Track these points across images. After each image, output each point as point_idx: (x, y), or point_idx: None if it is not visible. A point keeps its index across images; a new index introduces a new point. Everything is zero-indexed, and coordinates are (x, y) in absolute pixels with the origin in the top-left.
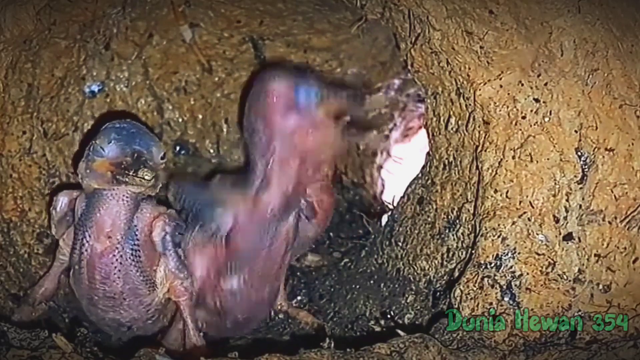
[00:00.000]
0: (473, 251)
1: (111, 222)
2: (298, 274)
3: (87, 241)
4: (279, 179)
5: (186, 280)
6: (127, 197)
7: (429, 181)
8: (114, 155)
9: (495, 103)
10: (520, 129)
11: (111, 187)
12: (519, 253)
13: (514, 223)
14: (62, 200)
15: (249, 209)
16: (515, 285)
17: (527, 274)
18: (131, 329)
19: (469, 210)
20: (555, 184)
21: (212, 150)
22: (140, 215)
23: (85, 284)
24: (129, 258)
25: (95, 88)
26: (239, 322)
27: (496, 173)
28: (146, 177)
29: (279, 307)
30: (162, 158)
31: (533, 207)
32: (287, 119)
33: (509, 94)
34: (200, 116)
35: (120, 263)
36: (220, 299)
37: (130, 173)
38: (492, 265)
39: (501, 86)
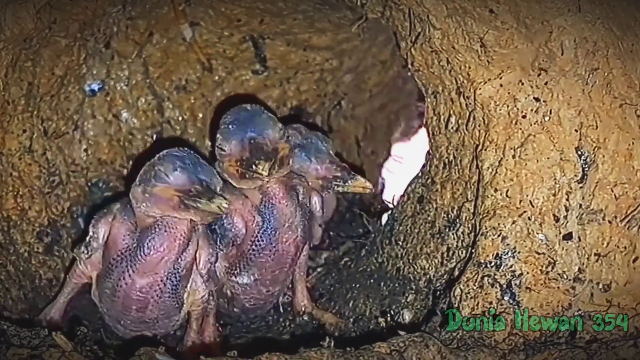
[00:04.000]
0: (473, 250)
1: (160, 260)
2: None
3: (129, 274)
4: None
5: (207, 294)
6: (184, 230)
7: (429, 180)
8: (181, 183)
9: (495, 102)
10: (521, 128)
11: (174, 215)
12: (519, 252)
13: (514, 222)
14: (103, 230)
15: (250, 217)
16: (515, 284)
17: (527, 273)
18: (155, 337)
19: (469, 210)
20: (555, 183)
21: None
22: (188, 250)
23: (118, 309)
24: (169, 290)
25: (95, 87)
26: (247, 308)
27: (496, 172)
28: (223, 205)
29: (303, 309)
30: (221, 189)
31: (533, 206)
32: None
33: (509, 93)
34: (201, 115)
35: (159, 296)
36: (233, 290)
37: (203, 200)
38: (492, 264)
39: (501, 85)
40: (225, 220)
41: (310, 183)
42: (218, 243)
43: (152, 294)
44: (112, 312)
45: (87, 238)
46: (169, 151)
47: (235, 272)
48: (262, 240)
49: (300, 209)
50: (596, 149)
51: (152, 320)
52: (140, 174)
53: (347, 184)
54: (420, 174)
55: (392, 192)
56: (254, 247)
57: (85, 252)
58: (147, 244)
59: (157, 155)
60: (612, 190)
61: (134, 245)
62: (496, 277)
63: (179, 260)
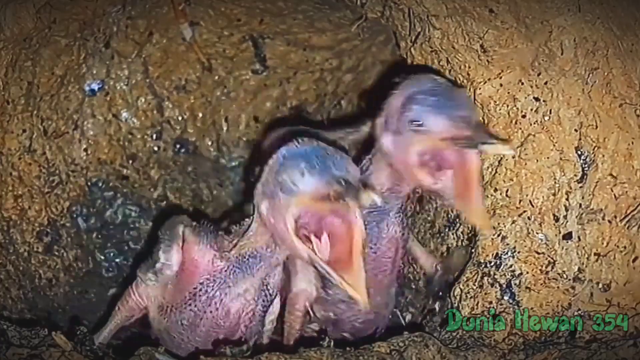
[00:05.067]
0: (473, 250)
1: (259, 286)
2: None
3: (220, 299)
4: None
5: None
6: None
7: None
8: (315, 188)
9: (495, 102)
10: (520, 128)
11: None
12: (518, 252)
13: (513, 222)
14: (176, 257)
15: None
16: (515, 284)
17: (527, 272)
18: None
19: None
20: (555, 182)
21: (212, 149)
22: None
23: (199, 340)
24: (260, 311)
25: (95, 86)
26: (357, 329)
27: (496, 172)
28: (372, 196)
29: (435, 267)
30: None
31: (533, 206)
32: None
33: (509, 92)
34: (200, 115)
35: (250, 320)
36: (335, 309)
37: (347, 200)
38: (492, 264)
39: (501, 85)
40: None
41: None
42: None
43: (244, 318)
44: (189, 344)
45: (157, 264)
46: (287, 149)
47: (329, 284)
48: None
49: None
50: (596, 148)
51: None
52: (262, 184)
53: None
54: None
55: None
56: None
57: (154, 279)
58: (245, 268)
59: (275, 157)
60: (612, 190)
61: (227, 269)
62: (496, 276)
63: (269, 277)
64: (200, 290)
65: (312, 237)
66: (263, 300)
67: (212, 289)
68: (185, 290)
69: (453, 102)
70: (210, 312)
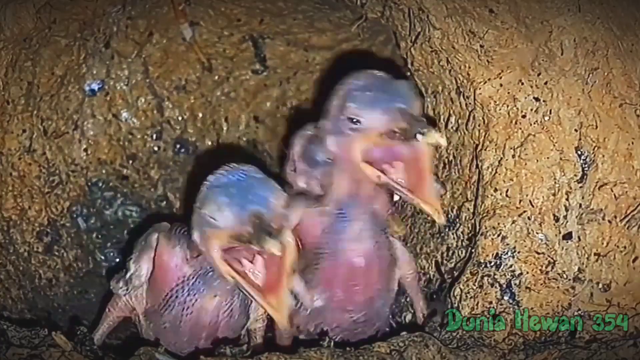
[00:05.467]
0: (473, 250)
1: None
2: None
3: (196, 300)
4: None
5: None
6: None
7: None
8: (231, 226)
9: (495, 102)
10: (520, 128)
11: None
12: (518, 252)
13: (513, 222)
14: (147, 267)
15: (312, 223)
16: (515, 284)
17: (527, 272)
18: None
19: (468, 209)
20: (555, 182)
21: (212, 149)
22: None
23: (184, 339)
24: (238, 309)
25: (95, 86)
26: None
27: (496, 172)
28: (274, 250)
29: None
30: (284, 207)
31: (533, 206)
32: None
33: (509, 92)
34: (200, 115)
35: (229, 315)
36: (310, 320)
37: (255, 244)
38: (492, 264)
39: (501, 85)
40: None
41: None
42: None
43: (223, 315)
44: (176, 345)
45: (128, 274)
46: (213, 178)
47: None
48: (326, 246)
49: (373, 217)
50: (596, 148)
51: (223, 340)
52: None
53: None
54: None
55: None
56: (316, 256)
57: (125, 288)
58: (214, 270)
59: (202, 187)
60: (612, 190)
61: (197, 270)
62: (496, 276)
63: None
64: (175, 293)
65: (244, 261)
66: (239, 295)
67: (185, 292)
68: (161, 295)
69: (389, 95)
70: (188, 314)
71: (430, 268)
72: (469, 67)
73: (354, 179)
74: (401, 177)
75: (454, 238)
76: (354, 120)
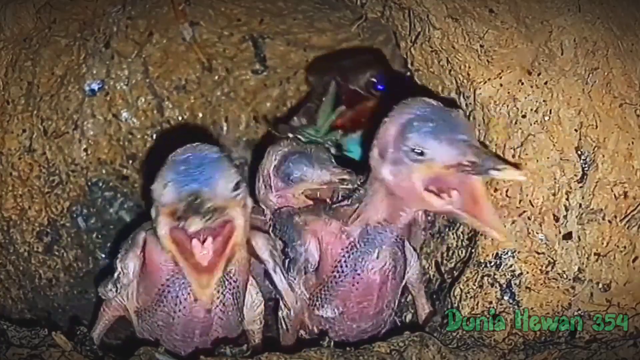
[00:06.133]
0: (473, 250)
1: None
2: None
3: (184, 297)
4: (369, 213)
5: (263, 306)
6: None
7: None
8: (169, 202)
9: (495, 102)
10: (520, 128)
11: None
12: (518, 252)
13: (514, 222)
14: (133, 264)
15: (334, 240)
16: (515, 284)
17: (527, 272)
18: None
19: None
20: (555, 182)
21: None
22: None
23: (177, 338)
24: (231, 304)
25: (95, 86)
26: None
27: None
28: (191, 229)
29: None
30: (234, 189)
31: (533, 206)
32: None
33: (509, 92)
34: (200, 115)
35: (222, 311)
36: (320, 326)
37: (182, 221)
38: (492, 264)
39: (501, 85)
40: (298, 242)
41: (317, 193)
42: (289, 269)
43: (215, 310)
44: (171, 343)
45: (115, 274)
46: (171, 156)
47: (317, 303)
48: (346, 267)
49: (397, 241)
50: (596, 148)
51: (218, 340)
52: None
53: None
54: None
55: None
56: (335, 274)
57: (114, 290)
58: None
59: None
60: (612, 190)
61: (176, 273)
62: (496, 276)
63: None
64: (166, 290)
65: (194, 241)
66: (229, 290)
67: (176, 287)
68: (152, 293)
69: (451, 127)
70: (180, 310)
71: (430, 268)
72: (469, 67)
73: (395, 207)
74: (459, 205)
75: (454, 238)
76: (417, 151)
